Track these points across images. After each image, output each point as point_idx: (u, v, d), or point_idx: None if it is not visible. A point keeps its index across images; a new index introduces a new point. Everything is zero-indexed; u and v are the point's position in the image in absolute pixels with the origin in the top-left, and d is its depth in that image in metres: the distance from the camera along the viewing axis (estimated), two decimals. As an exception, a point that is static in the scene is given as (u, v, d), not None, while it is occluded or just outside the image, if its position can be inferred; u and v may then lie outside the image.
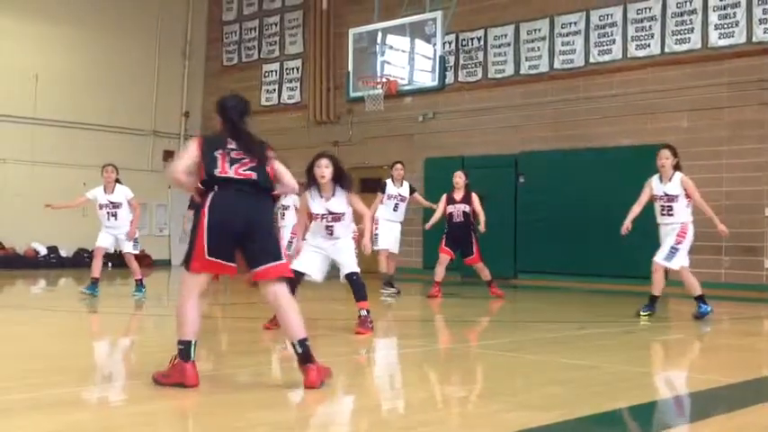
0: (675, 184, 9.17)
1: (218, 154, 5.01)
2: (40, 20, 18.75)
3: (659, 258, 9.19)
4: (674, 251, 9.07)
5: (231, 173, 4.98)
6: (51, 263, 18.44)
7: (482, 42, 16.74)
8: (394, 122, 17.47)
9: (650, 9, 14.64)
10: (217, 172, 4.96)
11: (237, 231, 4.91)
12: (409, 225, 16.93)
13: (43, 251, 18.63)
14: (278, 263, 5.01)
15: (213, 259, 4.88)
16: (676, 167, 9.26)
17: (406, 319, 10.10)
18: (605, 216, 14.55)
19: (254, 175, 5.04)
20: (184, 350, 4.88)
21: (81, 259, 18.95)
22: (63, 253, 18.87)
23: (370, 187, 18.37)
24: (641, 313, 9.30)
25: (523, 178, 15.95)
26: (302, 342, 4.93)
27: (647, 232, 14.13)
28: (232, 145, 5.06)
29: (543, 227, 15.39)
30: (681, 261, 9.15)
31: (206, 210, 4.90)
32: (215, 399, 4.70)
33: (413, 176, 17.40)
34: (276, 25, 20.50)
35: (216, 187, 4.94)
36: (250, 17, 21.09)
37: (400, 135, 17.73)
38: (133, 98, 20.28)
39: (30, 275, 16.16)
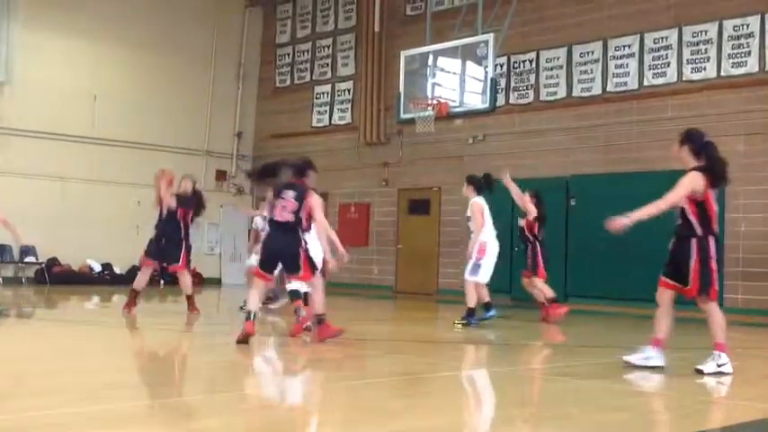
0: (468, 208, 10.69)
1: (276, 202, 8.15)
2: (99, 42, 19.20)
3: (466, 274, 10.65)
4: (477, 267, 10.47)
5: (278, 217, 8.06)
6: (105, 279, 18.75)
7: (534, 65, 16.68)
8: (444, 144, 17.47)
9: (706, 32, 14.45)
10: (274, 216, 8.13)
11: (276, 256, 8.10)
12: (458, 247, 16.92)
13: (97, 268, 18.96)
14: (299, 274, 8.18)
15: (261, 271, 8.10)
16: (478, 192, 10.71)
17: (454, 341, 10.04)
18: (657, 241, 14.35)
19: (292, 219, 8.03)
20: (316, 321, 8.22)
21: (134, 277, 19.15)
22: (117, 270, 19.17)
23: (419, 208, 18.43)
24: (457, 323, 10.41)
25: (574, 201, 15.79)
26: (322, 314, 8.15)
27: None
28: (287, 195, 8.09)
29: (594, 250, 15.20)
30: (484, 276, 10.56)
31: (263, 240, 8.66)
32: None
33: (462, 199, 17.40)
34: (329, 48, 20.71)
35: (270, 225, 8.32)
36: (303, 40, 21.33)
37: (450, 157, 17.72)
38: (187, 118, 20.63)
39: (84, 292, 16.45)
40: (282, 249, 8.04)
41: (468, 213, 10.75)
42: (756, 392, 6.58)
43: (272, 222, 8.17)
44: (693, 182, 6.72)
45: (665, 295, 6.92)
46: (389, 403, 5.36)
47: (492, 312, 10.79)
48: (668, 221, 14.39)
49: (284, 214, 8.00)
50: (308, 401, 5.61)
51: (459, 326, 10.36)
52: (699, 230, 6.75)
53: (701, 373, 6.65)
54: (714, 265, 6.71)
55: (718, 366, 6.68)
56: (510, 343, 9.93)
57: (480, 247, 10.48)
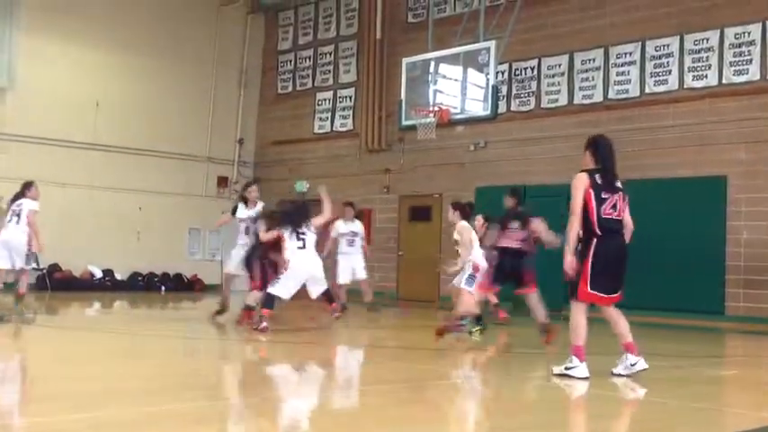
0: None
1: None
2: (101, 48, 19.22)
3: (462, 283, 11.05)
4: (472, 279, 10.89)
5: (505, 244, 10.12)
6: (106, 286, 18.75)
7: (535, 72, 16.68)
8: (445, 151, 17.47)
9: (707, 40, 14.45)
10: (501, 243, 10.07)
11: (506, 274, 10.18)
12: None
13: (99, 274, 18.95)
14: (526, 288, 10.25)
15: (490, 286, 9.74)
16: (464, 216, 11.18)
17: (454, 348, 10.03)
18: (659, 248, 14.35)
19: (519, 246, 10.11)
20: None
21: (135, 283, 19.24)
22: (118, 276, 19.17)
23: (420, 215, 18.43)
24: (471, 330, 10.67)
25: (576, 209, 15.76)
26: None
27: (698, 267, 13.90)
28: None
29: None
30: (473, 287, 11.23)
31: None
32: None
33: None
34: (330, 54, 20.74)
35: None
36: (305, 47, 21.36)
37: (451, 164, 17.72)
38: (189, 125, 20.64)
39: (85, 298, 16.45)
40: (514, 268, 10.09)
41: (456, 237, 11.30)
42: (757, 400, 6.58)
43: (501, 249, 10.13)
44: (582, 183, 6.76)
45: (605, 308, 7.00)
46: (391, 411, 5.35)
47: (466, 322, 11.30)
48: (666, 233, 14.45)
49: (513, 243, 10.15)
50: (309, 409, 5.61)
51: (478, 332, 10.70)
52: (581, 232, 6.72)
53: (554, 374, 6.74)
54: (588, 267, 6.69)
55: (567, 369, 6.74)
56: (509, 351, 9.92)
57: (475, 266, 11.22)
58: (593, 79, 15.87)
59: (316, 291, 10.65)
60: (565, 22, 16.30)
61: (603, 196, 6.78)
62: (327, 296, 10.86)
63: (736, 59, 14.10)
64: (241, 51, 21.85)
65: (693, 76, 14.60)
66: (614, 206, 6.85)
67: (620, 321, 7.02)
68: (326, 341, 10.46)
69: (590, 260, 6.71)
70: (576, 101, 16.06)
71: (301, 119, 21.06)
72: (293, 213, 10.84)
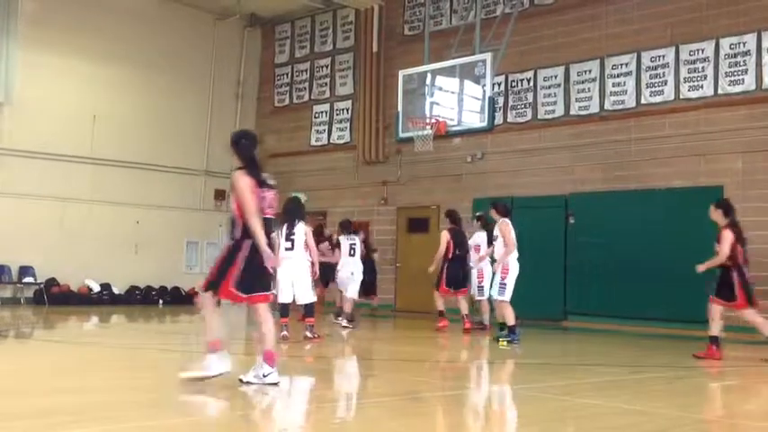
0: (497, 228, 11.26)
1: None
2: (98, 62, 19.24)
3: (494, 294, 11.13)
4: (503, 286, 10.91)
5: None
6: (104, 300, 18.71)
7: (532, 83, 16.75)
8: (443, 163, 17.50)
9: (703, 50, 14.52)
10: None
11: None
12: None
13: (96, 288, 18.90)
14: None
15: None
16: (502, 215, 11.31)
17: (454, 360, 10.02)
18: (657, 258, 14.37)
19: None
20: None
21: (133, 297, 19.19)
22: (115, 290, 19.13)
23: (418, 227, 18.44)
24: (501, 340, 10.79)
25: (573, 219, 15.81)
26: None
27: (696, 277, 13.90)
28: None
29: (593, 268, 15.20)
30: (507, 295, 10.95)
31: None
32: None
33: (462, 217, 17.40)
34: (327, 67, 20.79)
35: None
36: (302, 60, 21.42)
37: (449, 175, 17.75)
38: (187, 138, 20.66)
39: (82, 312, 16.40)
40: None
41: (496, 233, 11.30)
42: (761, 410, 6.57)
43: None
44: (246, 182, 6.45)
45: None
46: (390, 423, 5.33)
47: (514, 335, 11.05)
48: (663, 243, 14.42)
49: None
50: (308, 422, 5.59)
51: (505, 343, 10.67)
52: (237, 233, 6.47)
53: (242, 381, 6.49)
54: (239, 268, 6.37)
55: (264, 377, 6.44)
56: (509, 361, 9.90)
57: (504, 268, 10.98)
58: (589, 90, 15.93)
59: (300, 297, 10.63)
60: (561, 34, 16.37)
61: (262, 195, 6.54)
62: (307, 309, 10.74)
63: (732, 70, 14.17)
64: (238, 65, 21.91)
65: (689, 87, 14.66)
66: (271, 205, 6.65)
67: (269, 323, 6.61)
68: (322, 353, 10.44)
69: (242, 261, 6.38)
70: (573, 112, 16.12)
71: (298, 131, 21.10)
72: (290, 210, 10.78)
